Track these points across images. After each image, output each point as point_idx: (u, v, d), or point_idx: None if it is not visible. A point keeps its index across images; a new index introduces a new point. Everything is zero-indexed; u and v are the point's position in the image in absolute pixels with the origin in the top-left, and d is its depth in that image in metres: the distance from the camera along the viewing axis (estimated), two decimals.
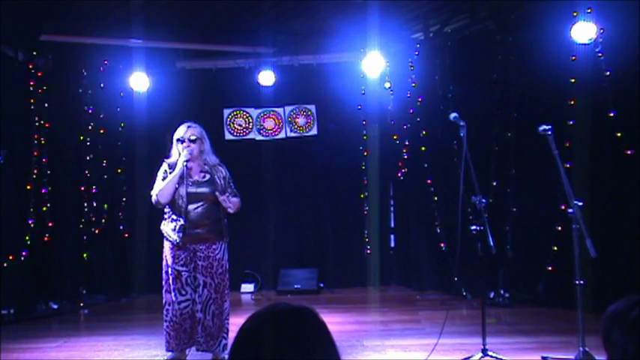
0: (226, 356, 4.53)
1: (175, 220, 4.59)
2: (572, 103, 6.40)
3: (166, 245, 4.68)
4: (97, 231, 8.16)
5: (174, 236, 4.57)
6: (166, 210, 4.69)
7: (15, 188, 7.34)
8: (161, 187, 4.60)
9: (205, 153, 4.79)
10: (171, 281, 4.62)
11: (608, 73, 6.10)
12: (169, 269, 4.64)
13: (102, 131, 8.27)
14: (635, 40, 5.88)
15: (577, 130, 6.34)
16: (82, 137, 8.12)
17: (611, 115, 6.12)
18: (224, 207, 4.69)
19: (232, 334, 1.50)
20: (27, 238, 7.32)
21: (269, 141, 8.96)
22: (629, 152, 5.98)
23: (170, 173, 4.64)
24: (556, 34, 6.47)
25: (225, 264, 4.72)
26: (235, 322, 4.65)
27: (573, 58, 6.33)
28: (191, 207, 4.60)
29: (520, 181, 7.06)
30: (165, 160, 4.78)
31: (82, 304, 7.74)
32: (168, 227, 4.64)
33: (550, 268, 6.59)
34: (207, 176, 4.72)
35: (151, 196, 4.69)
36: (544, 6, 6.82)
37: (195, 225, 4.60)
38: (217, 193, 4.62)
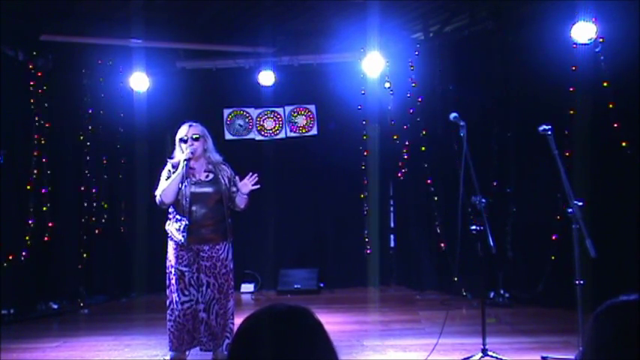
0: None
1: (180, 220, 4.59)
2: (572, 103, 6.40)
3: (170, 245, 4.68)
4: (97, 231, 8.16)
5: (179, 236, 4.57)
6: (171, 210, 4.68)
7: (15, 188, 7.34)
8: (164, 187, 4.60)
9: (209, 151, 4.78)
10: (174, 281, 4.61)
11: (607, 73, 6.10)
12: (173, 269, 4.64)
13: (102, 131, 8.27)
14: (635, 40, 5.88)
15: (577, 130, 6.34)
16: (82, 137, 8.13)
17: (611, 115, 6.12)
18: (229, 206, 4.69)
19: None
20: (27, 238, 7.33)
21: (269, 141, 8.96)
22: (629, 152, 5.98)
23: (173, 173, 4.64)
24: (556, 34, 6.47)
25: (229, 264, 4.70)
26: (237, 323, 4.65)
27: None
28: (195, 207, 4.59)
29: (520, 181, 7.05)
30: (169, 160, 4.78)
31: (82, 304, 7.75)
32: (173, 227, 4.63)
33: (550, 268, 6.59)
34: (211, 176, 4.71)
35: (155, 197, 4.68)
36: (544, 6, 6.82)
37: (199, 225, 4.59)
38: (234, 193, 4.67)
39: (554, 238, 6.48)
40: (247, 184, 4.67)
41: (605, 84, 6.12)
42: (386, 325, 6.45)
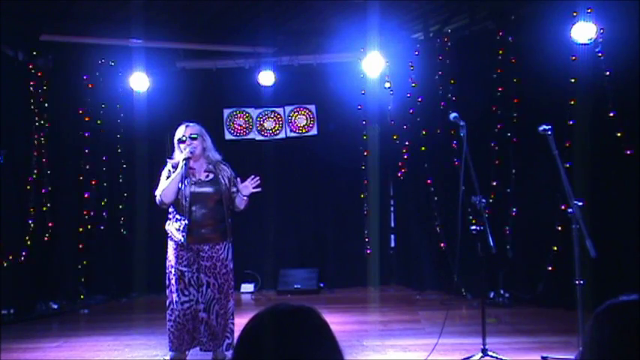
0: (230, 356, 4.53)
1: (179, 220, 4.59)
2: (572, 103, 6.41)
3: (170, 245, 4.67)
4: (97, 231, 8.16)
5: (179, 236, 4.57)
6: (171, 210, 4.68)
7: (15, 188, 7.34)
8: (164, 187, 4.60)
9: (208, 150, 4.78)
10: (174, 281, 4.61)
11: (608, 73, 6.11)
12: (173, 269, 4.63)
13: (102, 131, 8.28)
14: (635, 40, 5.89)
15: (577, 130, 6.34)
16: (82, 137, 8.13)
17: (611, 115, 6.13)
18: (229, 206, 4.69)
19: (237, 334, 1.50)
20: (27, 238, 7.33)
21: (269, 141, 8.96)
22: (628, 152, 5.99)
23: (173, 173, 4.64)
24: (556, 34, 6.47)
25: (229, 264, 4.70)
26: (237, 323, 4.66)
27: (573, 58, 6.33)
28: (195, 207, 4.59)
29: (520, 181, 7.05)
30: (169, 160, 4.78)
31: (82, 304, 7.74)
32: (173, 227, 4.64)
33: (550, 268, 6.60)
34: (211, 176, 4.71)
35: (155, 197, 4.68)
36: (544, 6, 6.83)
37: (200, 225, 4.59)
38: (234, 194, 4.68)
39: (554, 238, 6.47)
40: (248, 186, 4.67)
41: (604, 84, 6.12)
42: (386, 325, 6.45)
